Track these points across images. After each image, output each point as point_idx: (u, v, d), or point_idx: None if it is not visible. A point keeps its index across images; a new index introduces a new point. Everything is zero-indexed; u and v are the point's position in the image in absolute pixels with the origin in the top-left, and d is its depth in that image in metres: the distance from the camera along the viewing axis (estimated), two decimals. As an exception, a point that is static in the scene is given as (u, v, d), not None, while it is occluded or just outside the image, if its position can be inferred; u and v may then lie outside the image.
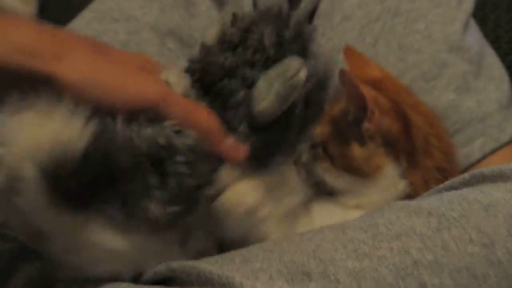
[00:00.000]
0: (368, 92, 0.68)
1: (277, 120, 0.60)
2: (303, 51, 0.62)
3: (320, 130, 0.72)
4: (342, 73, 0.68)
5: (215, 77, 0.61)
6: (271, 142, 0.62)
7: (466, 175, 0.60)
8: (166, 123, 0.56)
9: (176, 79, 0.61)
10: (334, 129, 0.72)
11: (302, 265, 0.53)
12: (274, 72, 0.60)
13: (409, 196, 0.68)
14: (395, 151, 0.69)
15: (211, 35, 0.63)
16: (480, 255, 0.50)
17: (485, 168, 0.59)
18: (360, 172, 0.69)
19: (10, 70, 0.52)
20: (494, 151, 0.77)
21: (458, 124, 0.77)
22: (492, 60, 0.85)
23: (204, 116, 0.58)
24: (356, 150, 0.69)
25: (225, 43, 0.62)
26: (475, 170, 0.60)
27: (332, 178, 0.70)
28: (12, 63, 0.52)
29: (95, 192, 0.54)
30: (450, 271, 0.50)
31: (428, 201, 0.56)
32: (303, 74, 0.59)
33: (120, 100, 0.55)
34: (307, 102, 0.62)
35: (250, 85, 0.60)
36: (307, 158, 0.72)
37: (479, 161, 0.77)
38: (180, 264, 0.55)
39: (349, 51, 0.77)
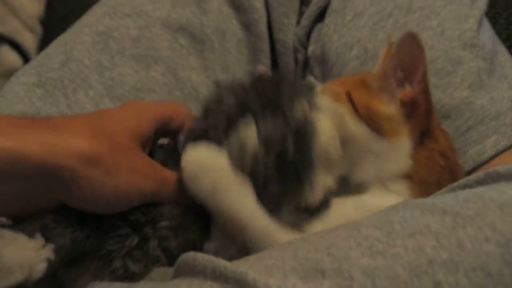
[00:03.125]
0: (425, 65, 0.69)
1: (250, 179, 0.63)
2: (272, 110, 0.65)
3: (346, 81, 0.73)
4: (413, 35, 0.68)
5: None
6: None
7: (480, 174, 0.60)
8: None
9: None
10: (362, 83, 0.71)
11: (316, 262, 0.53)
12: (232, 138, 0.63)
13: (408, 177, 0.67)
14: (412, 126, 0.69)
15: None
16: (495, 254, 0.50)
17: (500, 167, 0.59)
18: (377, 128, 0.68)
19: None
20: (506, 149, 0.76)
21: (470, 121, 0.77)
22: (504, 58, 0.85)
23: None
24: (383, 107, 0.69)
25: (203, 110, 0.67)
26: (490, 169, 0.59)
27: (352, 122, 0.68)
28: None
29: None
30: (465, 270, 0.50)
31: (443, 199, 0.56)
32: (251, 140, 0.63)
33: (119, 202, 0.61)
34: (282, 159, 0.63)
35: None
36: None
37: (491, 158, 0.76)
38: (202, 256, 0.56)
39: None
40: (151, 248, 0.63)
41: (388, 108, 0.69)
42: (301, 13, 0.92)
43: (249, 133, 0.63)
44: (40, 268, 0.58)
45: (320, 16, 0.90)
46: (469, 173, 0.75)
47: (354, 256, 0.52)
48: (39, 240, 0.59)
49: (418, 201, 0.57)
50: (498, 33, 0.93)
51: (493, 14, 1.02)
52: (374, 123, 0.68)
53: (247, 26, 0.91)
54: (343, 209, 0.66)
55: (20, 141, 0.54)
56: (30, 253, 0.58)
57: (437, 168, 0.69)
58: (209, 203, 0.62)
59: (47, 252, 0.59)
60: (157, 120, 0.68)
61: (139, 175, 0.62)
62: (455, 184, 0.61)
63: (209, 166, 0.62)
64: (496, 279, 0.49)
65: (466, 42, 0.80)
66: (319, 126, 0.66)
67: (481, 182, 0.59)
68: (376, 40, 0.83)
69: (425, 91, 0.69)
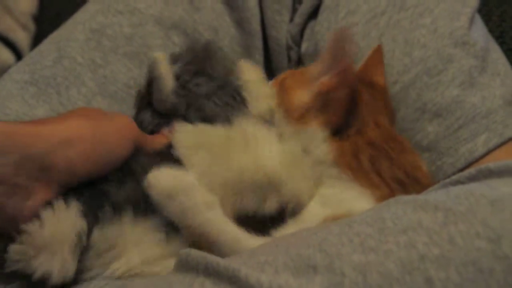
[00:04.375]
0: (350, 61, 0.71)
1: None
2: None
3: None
4: (344, 30, 0.71)
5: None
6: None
7: (472, 170, 0.60)
8: None
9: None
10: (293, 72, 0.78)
11: (308, 258, 0.53)
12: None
13: (339, 165, 0.70)
14: (325, 120, 0.71)
15: None
16: (486, 249, 0.50)
17: (491, 163, 0.59)
18: (288, 112, 0.73)
19: None
20: (498, 146, 0.77)
21: (462, 119, 0.77)
22: (497, 55, 0.85)
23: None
24: (297, 93, 0.73)
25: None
26: (482, 165, 0.60)
27: (273, 104, 0.75)
28: None
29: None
30: (456, 266, 0.50)
31: (435, 196, 0.56)
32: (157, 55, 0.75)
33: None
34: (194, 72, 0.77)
35: None
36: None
37: (483, 156, 0.76)
38: (195, 252, 0.57)
39: (378, 51, 0.80)
40: None
41: (304, 96, 0.72)
42: (294, 11, 0.92)
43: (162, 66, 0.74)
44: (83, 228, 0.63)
45: (313, 13, 0.90)
46: (460, 171, 0.75)
47: (346, 252, 0.52)
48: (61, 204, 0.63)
49: (410, 197, 0.57)
50: (491, 31, 0.93)
51: (486, 11, 1.02)
52: (285, 109, 0.73)
53: (240, 23, 0.91)
54: (313, 209, 0.68)
55: (9, 125, 0.60)
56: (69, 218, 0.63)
57: (367, 157, 0.70)
58: (180, 226, 0.65)
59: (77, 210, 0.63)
60: None
61: (128, 120, 0.69)
62: (447, 180, 0.61)
63: (172, 191, 0.64)
64: (487, 275, 0.50)
65: (457, 40, 0.80)
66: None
67: (473, 179, 0.59)
68: (369, 37, 0.84)
69: (349, 88, 0.71)
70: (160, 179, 0.65)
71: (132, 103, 0.84)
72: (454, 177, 0.61)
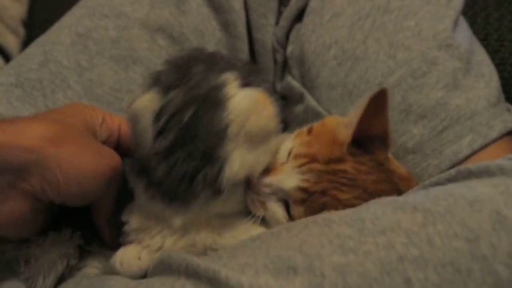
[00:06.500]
0: None
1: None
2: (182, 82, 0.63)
3: None
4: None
5: None
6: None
7: (452, 171, 0.60)
8: None
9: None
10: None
11: (288, 259, 0.53)
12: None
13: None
14: None
15: None
16: (464, 250, 0.51)
17: (471, 164, 0.59)
18: None
19: None
20: (482, 147, 0.77)
21: (446, 121, 0.78)
22: (482, 57, 0.85)
23: None
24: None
25: None
26: (461, 166, 0.60)
27: None
28: None
29: None
30: (434, 266, 0.50)
31: (414, 197, 0.56)
32: (139, 107, 0.62)
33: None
34: (186, 129, 0.60)
35: None
36: None
37: (467, 158, 0.77)
38: (177, 254, 0.57)
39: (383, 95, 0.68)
40: None
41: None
42: (279, 14, 0.92)
43: (147, 105, 0.62)
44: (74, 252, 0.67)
45: (299, 16, 0.90)
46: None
47: (325, 254, 0.53)
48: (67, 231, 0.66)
49: (390, 198, 0.58)
50: (476, 33, 0.93)
51: (471, 13, 1.02)
52: None
53: (226, 26, 0.91)
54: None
55: None
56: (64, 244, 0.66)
57: None
58: None
59: (76, 238, 0.67)
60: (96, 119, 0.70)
61: (103, 155, 0.64)
62: (427, 182, 0.61)
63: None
64: (465, 275, 0.50)
65: (441, 42, 0.80)
66: (234, 98, 0.61)
67: (452, 180, 0.59)
68: (354, 40, 0.84)
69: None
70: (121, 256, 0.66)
71: (118, 106, 0.84)
72: (433, 179, 0.61)
